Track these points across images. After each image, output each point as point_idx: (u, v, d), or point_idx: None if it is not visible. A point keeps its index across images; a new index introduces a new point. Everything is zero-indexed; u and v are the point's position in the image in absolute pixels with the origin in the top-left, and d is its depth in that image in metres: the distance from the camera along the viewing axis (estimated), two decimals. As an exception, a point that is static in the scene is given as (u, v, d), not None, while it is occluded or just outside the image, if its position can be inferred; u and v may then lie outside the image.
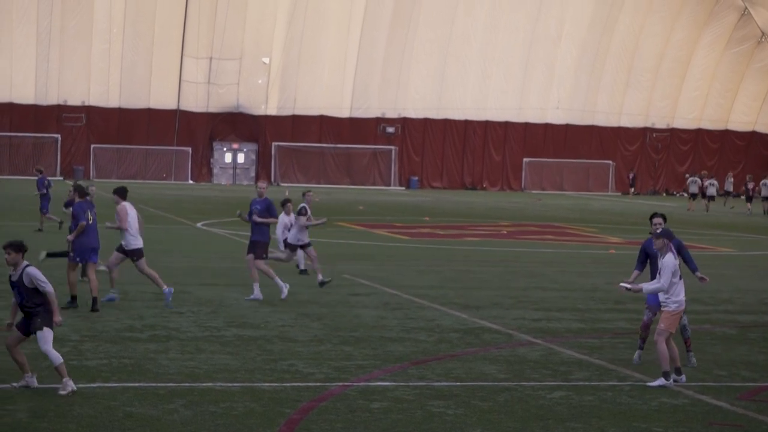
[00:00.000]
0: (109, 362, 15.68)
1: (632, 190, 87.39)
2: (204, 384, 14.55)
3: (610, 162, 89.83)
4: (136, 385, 14.36)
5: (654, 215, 16.98)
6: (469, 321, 20.64)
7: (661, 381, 15.25)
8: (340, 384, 14.78)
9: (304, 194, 26.55)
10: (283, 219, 26.83)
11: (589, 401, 14.31)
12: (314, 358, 16.54)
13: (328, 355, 16.84)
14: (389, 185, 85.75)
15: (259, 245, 22.85)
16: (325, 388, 14.53)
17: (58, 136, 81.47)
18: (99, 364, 15.54)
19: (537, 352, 17.64)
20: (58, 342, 16.83)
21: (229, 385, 14.56)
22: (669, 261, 15.43)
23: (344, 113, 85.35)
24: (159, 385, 14.41)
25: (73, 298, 20.63)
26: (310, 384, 14.78)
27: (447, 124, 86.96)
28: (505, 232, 43.78)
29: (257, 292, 22.51)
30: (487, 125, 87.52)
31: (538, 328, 20.07)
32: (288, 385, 14.68)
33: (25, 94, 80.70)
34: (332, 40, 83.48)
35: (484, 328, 19.87)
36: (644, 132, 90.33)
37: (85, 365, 15.38)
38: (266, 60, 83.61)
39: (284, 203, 26.80)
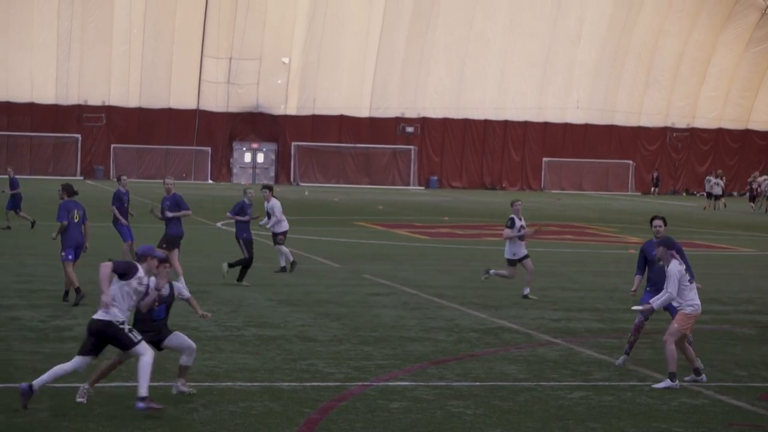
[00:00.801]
0: (129, 361, 15.67)
1: (655, 189, 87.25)
2: (224, 383, 14.58)
3: (630, 162, 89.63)
4: (156, 384, 14.36)
5: (654, 218, 16.99)
6: (488, 321, 20.63)
7: (666, 383, 15.15)
8: (360, 384, 14.79)
9: (512, 204, 24.84)
10: (264, 206, 27.60)
11: (608, 401, 14.29)
12: (334, 357, 16.55)
13: (347, 354, 16.84)
14: (408, 185, 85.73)
15: (174, 238, 23.75)
16: (345, 388, 14.53)
17: (79, 136, 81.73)
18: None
19: (556, 352, 17.62)
20: (78, 341, 16.92)
21: (249, 384, 14.58)
22: (674, 268, 15.31)
23: (364, 113, 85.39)
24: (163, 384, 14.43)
25: (73, 291, 20.96)
26: (329, 384, 14.78)
27: (466, 123, 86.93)
28: (524, 232, 43.64)
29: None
30: (506, 125, 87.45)
31: (557, 328, 20.05)
32: (308, 384, 14.69)
33: (45, 94, 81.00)
34: (352, 39, 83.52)
35: (503, 328, 19.85)
36: (664, 132, 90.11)
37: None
38: (286, 60, 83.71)
39: (262, 188, 27.69)
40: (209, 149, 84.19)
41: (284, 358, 16.43)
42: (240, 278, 24.82)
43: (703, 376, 15.53)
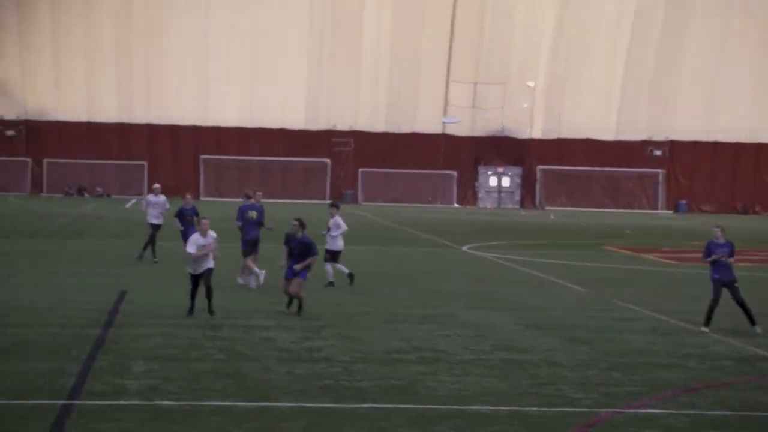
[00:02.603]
0: (379, 383, 15.88)
1: None
2: (472, 407, 14.57)
3: None
4: (406, 406, 14.50)
5: None
6: (742, 349, 20.01)
7: None
8: (609, 410, 14.56)
9: None
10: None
11: None
12: (581, 383, 16.35)
13: (595, 380, 16.61)
14: (656, 209, 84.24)
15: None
16: (594, 414, 14.33)
17: (328, 160, 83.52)
18: (369, 385, 15.76)
19: (815, 383, 16.93)
20: (329, 362, 17.26)
21: (497, 408, 14.54)
22: None
23: (610, 136, 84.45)
24: (428, 407, 14.51)
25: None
26: (577, 409, 14.61)
27: (717, 147, 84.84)
28: (779, 257, 42.32)
29: None
30: (759, 148, 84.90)
31: (816, 357, 19.28)
32: (555, 410, 14.55)
33: (296, 120, 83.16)
34: (597, 62, 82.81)
35: (758, 357, 19.22)
36: None
37: (356, 386, 15.63)
38: (531, 84, 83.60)
39: (330, 206, 28.91)
40: (455, 173, 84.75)
41: (531, 382, 16.32)
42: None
43: None
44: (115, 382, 15.26)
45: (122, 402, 14.08)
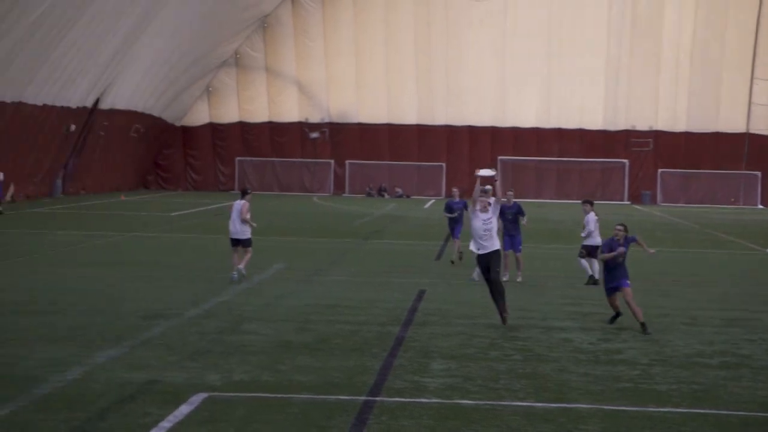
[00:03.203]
0: (679, 387, 15.57)
1: None
2: (778, 415, 14.11)
3: None
4: (708, 411, 14.15)
5: None
6: None
7: None
8: None
9: None
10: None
11: None
12: None
13: None
14: None
15: None
16: None
17: (626, 161, 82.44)
18: (669, 388, 15.48)
19: None
20: (627, 365, 17.05)
21: (805, 417, 14.02)
22: None
23: None
24: (731, 413, 14.12)
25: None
26: None
27: None
28: None
29: None
30: None
31: None
32: None
33: (594, 121, 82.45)
34: None
35: None
36: None
37: (655, 389, 15.38)
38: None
39: (583, 202, 28.79)
40: (759, 174, 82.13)
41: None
42: None
43: None
44: (415, 379, 15.52)
45: (422, 400, 14.30)
